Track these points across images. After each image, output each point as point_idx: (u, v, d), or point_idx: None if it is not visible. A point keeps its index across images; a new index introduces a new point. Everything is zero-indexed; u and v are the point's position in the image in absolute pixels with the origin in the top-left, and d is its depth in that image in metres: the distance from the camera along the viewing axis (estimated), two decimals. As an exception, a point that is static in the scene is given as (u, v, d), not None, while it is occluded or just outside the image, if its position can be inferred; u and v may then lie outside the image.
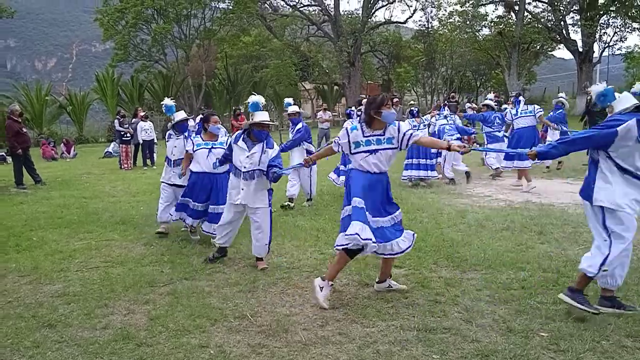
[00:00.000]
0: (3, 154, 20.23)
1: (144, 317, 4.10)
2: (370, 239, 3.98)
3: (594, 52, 31.30)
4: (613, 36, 32.16)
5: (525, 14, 32.24)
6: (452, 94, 29.42)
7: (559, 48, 37.36)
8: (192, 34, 37.48)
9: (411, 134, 4.31)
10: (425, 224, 6.89)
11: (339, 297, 4.42)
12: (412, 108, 11.30)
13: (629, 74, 33.54)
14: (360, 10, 38.77)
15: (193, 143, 6.20)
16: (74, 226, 7.45)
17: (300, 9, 38.06)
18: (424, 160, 10.09)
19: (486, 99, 12.48)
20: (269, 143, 5.23)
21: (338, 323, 3.90)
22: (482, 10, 34.70)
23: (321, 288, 4.23)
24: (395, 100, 21.18)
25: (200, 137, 6.23)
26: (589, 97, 10.81)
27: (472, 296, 4.32)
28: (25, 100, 32.06)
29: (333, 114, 34.44)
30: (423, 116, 11.00)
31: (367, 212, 4.11)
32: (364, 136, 4.27)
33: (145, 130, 15.52)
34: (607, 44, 32.55)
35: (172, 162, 6.84)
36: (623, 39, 32.44)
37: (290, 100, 8.85)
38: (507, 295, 4.31)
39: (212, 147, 6.13)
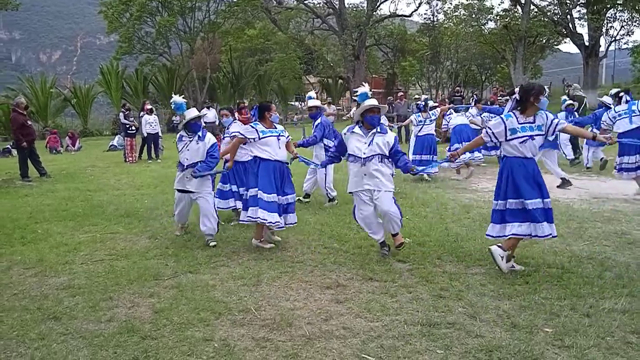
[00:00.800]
0: (8, 146, 20.31)
1: (148, 310, 4.11)
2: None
3: (600, 46, 31.07)
4: (620, 30, 31.91)
5: (532, 7, 31.99)
6: (457, 88, 29.32)
7: (565, 42, 37.23)
8: (197, 26, 37.43)
9: (557, 122, 4.65)
10: (430, 219, 6.88)
11: (342, 291, 4.42)
12: (419, 102, 10.70)
13: (636, 69, 33.26)
14: (365, 3, 38.59)
15: (257, 131, 5.74)
16: (78, 219, 7.48)
17: (305, 1, 37.92)
18: (427, 156, 10.10)
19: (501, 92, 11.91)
20: (382, 129, 5.35)
21: (342, 317, 3.90)
22: (487, 3, 34.74)
23: (502, 257, 4.68)
24: (400, 94, 21.17)
25: (262, 124, 5.85)
26: (567, 92, 10.50)
27: (477, 291, 4.31)
28: (30, 93, 32.10)
29: (337, 107, 34.41)
30: (430, 110, 10.43)
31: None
32: (519, 123, 4.59)
33: (150, 123, 15.53)
34: (613, 38, 32.32)
35: (184, 166, 6.11)
36: (630, 33, 32.25)
37: (312, 93, 8.57)
38: (512, 290, 4.30)
39: (280, 135, 5.89)
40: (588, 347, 3.31)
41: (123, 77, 36.27)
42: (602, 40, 31.43)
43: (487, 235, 4.92)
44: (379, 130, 5.27)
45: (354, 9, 39.98)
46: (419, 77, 45.44)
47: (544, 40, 35.77)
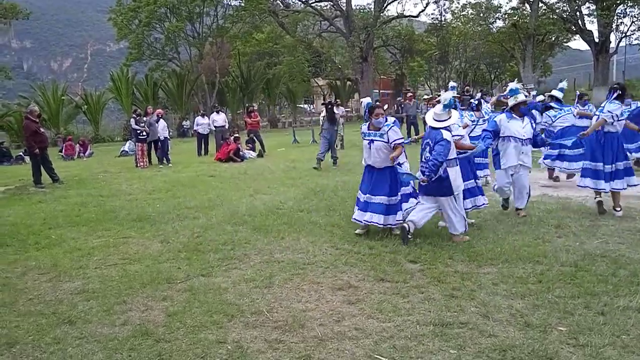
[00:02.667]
0: (21, 153, 20.54)
1: (161, 314, 4.14)
2: None
3: (610, 42, 30.83)
4: (630, 26, 31.65)
5: (540, 4, 31.85)
6: (467, 87, 29.20)
7: (575, 39, 36.92)
8: (205, 32, 37.71)
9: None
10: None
11: (354, 292, 4.42)
12: (473, 100, 9.30)
13: (647, 64, 32.94)
14: (372, 5, 38.62)
15: (362, 132, 6.27)
16: (91, 224, 7.54)
17: (312, 4, 38.04)
18: (480, 158, 9.92)
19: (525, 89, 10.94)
20: (532, 117, 7.12)
21: (354, 318, 3.90)
22: (495, 2, 34.47)
23: None
24: (409, 94, 21.13)
25: (367, 126, 6.17)
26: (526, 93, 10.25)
27: (489, 290, 4.29)
28: (42, 101, 32.54)
29: (346, 109, 34.41)
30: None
31: None
32: None
33: (162, 128, 15.81)
34: (624, 34, 32.03)
35: None
36: (641, 29, 31.90)
37: (367, 99, 7.96)
38: (524, 289, 4.28)
39: (373, 140, 6.03)
40: (603, 346, 3.28)
41: (133, 83, 36.64)
42: (612, 37, 31.19)
43: None
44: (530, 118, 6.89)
45: (361, 10, 40.01)
46: (428, 77, 45.39)
47: (553, 38, 35.60)
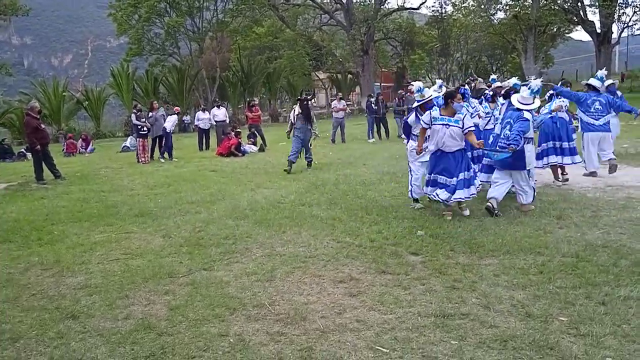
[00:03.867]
0: (23, 150, 20.57)
1: (164, 308, 4.16)
2: None
3: (612, 32, 30.70)
4: (632, 16, 31.50)
5: (541, -5, 31.67)
6: (470, 78, 29.09)
7: (577, 30, 36.79)
8: (205, 26, 37.62)
9: None
10: (442, 211, 6.86)
11: (356, 284, 4.43)
12: (488, 90, 8.86)
13: (650, 54, 32.80)
14: (373, -3, 38.47)
15: (430, 116, 6.38)
16: (93, 219, 7.56)
17: (312, -3, 37.91)
18: None
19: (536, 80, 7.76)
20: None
21: (355, 310, 3.91)
22: (496, -7, 34.19)
23: None
24: (410, 87, 21.08)
25: (439, 111, 6.37)
26: (473, 86, 9.83)
27: (490, 282, 4.30)
28: (43, 97, 32.52)
29: (347, 103, 34.33)
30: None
31: None
32: None
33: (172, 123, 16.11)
34: (626, 24, 31.87)
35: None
36: (643, 19, 31.73)
37: (419, 83, 7.45)
38: (526, 280, 4.29)
39: (448, 124, 6.28)
40: (604, 335, 3.29)
41: (134, 79, 36.62)
42: (614, 27, 31.03)
43: None
44: None
45: (362, 3, 39.84)
46: (429, 69, 45.26)
47: (555, 29, 35.42)
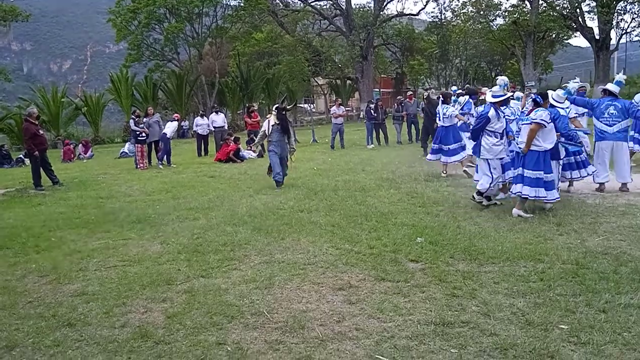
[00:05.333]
0: (21, 156, 20.54)
1: (161, 315, 4.13)
2: None
3: (611, 39, 30.76)
4: (631, 22, 31.57)
5: (540, 2, 31.77)
6: (467, 85, 29.14)
7: (575, 36, 36.87)
8: (204, 32, 37.66)
9: None
10: (442, 218, 6.84)
11: (355, 292, 4.40)
12: (532, 93, 8.61)
13: (648, 61, 32.89)
14: (372, 3, 38.58)
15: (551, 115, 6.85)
16: (91, 226, 7.53)
17: (312, 3, 38.01)
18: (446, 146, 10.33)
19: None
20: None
21: (355, 318, 3.88)
22: (495, -1, 34.29)
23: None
24: (409, 93, 21.11)
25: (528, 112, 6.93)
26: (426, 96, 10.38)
27: (490, 289, 4.27)
28: (42, 103, 32.50)
29: (347, 108, 34.36)
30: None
31: None
32: None
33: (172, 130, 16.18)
34: (624, 31, 31.96)
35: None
36: (641, 25, 31.80)
37: (504, 78, 7.83)
38: (526, 287, 4.26)
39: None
40: (604, 343, 3.26)
41: (133, 85, 36.60)
42: (612, 33, 31.10)
43: None
44: None
45: (361, 9, 39.98)
46: (428, 75, 45.36)
47: (554, 35, 35.51)
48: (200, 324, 3.89)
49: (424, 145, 14.15)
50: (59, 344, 3.69)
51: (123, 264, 5.57)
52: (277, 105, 10.67)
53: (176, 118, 18.16)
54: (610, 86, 8.36)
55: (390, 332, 3.61)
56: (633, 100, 9.28)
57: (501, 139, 7.31)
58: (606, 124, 8.06)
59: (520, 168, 6.78)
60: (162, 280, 4.91)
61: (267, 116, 10.50)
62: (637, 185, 8.28)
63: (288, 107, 11.76)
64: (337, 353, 3.38)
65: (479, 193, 7.36)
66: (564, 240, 5.52)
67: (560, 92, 7.57)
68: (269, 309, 4.12)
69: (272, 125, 9.90)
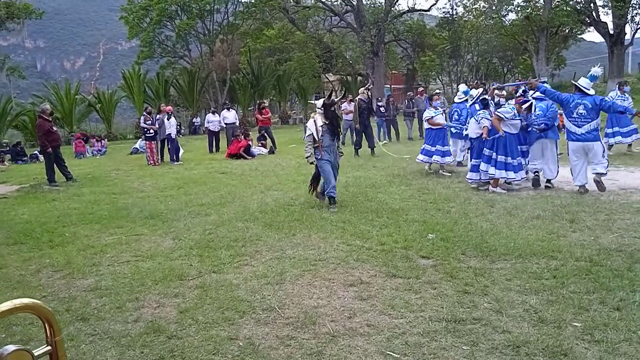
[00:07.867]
0: (36, 152, 20.76)
1: (173, 310, 4.15)
2: None
3: (625, 34, 30.32)
4: (645, 17, 31.05)
5: (553, -4, 31.38)
6: (477, 81, 28.93)
7: (589, 31, 36.34)
8: (216, 29, 37.74)
9: None
10: (453, 214, 6.81)
11: (366, 288, 4.40)
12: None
13: (663, 56, 32.40)
14: (383, -1, 38.36)
15: None
16: (104, 221, 7.60)
17: (323, 0, 37.88)
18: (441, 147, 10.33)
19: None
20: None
21: (366, 315, 3.88)
22: (507, -6, 33.90)
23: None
24: (420, 89, 20.99)
25: None
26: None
27: (502, 286, 4.25)
28: (56, 100, 32.76)
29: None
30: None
31: None
32: None
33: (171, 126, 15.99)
34: (639, 26, 31.47)
35: None
36: (657, 20, 31.29)
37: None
38: (539, 284, 4.23)
39: None
40: (619, 342, 3.23)
41: (145, 81, 36.77)
42: (627, 28, 30.66)
43: None
44: None
45: (372, 5, 39.77)
46: (439, 71, 45.05)
47: (567, 30, 35.07)
48: (212, 319, 3.91)
49: None
50: (73, 338, 3.73)
51: (136, 259, 5.61)
52: (323, 99, 8.16)
53: (168, 111, 16.65)
54: (582, 81, 7.76)
55: (401, 329, 3.60)
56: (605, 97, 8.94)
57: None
58: (575, 125, 7.59)
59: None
60: (174, 276, 4.95)
61: (313, 115, 8.13)
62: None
63: (336, 99, 8.49)
64: (348, 349, 3.38)
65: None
66: (577, 237, 5.47)
67: (584, 80, 7.83)
68: (280, 305, 4.13)
69: (321, 126, 7.67)
